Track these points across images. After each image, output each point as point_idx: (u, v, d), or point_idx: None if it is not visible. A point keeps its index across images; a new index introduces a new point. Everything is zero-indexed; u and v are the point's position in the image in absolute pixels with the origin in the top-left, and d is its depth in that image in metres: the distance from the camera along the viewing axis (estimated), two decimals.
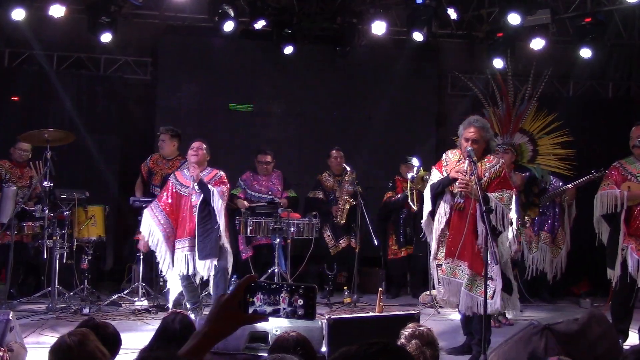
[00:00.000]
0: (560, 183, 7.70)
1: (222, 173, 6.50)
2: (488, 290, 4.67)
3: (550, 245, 7.67)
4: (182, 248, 6.33)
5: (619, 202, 5.43)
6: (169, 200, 6.41)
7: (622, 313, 5.51)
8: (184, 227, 6.36)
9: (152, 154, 7.69)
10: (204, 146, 6.47)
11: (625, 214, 5.48)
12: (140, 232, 6.62)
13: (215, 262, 6.22)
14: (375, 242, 7.46)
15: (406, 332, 3.20)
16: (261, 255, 7.73)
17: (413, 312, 4.88)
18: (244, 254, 7.70)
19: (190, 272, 6.29)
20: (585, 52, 8.50)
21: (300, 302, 1.58)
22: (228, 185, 6.52)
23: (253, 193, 7.81)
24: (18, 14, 7.45)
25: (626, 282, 5.44)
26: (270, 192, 7.76)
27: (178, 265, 6.29)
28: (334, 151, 8.13)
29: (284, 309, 1.58)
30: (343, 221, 7.85)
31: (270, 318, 1.61)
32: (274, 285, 1.59)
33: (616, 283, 5.50)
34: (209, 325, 1.57)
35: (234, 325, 1.58)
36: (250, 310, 1.58)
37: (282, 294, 1.57)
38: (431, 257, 5.26)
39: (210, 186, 6.27)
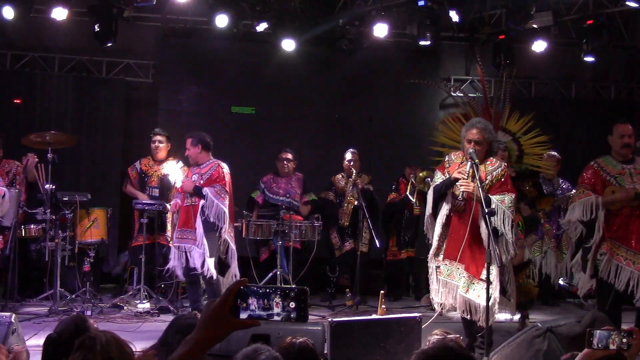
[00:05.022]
0: (567, 186, 7.67)
1: (216, 168, 6.44)
2: (485, 294, 4.66)
3: (555, 250, 7.63)
4: (175, 239, 6.47)
5: (594, 207, 5.29)
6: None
7: (611, 317, 5.41)
8: (179, 220, 6.49)
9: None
10: (189, 142, 6.52)
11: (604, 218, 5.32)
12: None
13: (212, 262, 6.24)
14: (377, 243, 7.47)
15: (433, 338, 3.14)
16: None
17: (415, 314, 4.86)
18: (262, 255, 7.76)
19: (183, 265, 6.37)
20: (590, 54, 8.50)
21: (293, 305, 1.57)
22: (224, 181, 6.39)
23: (271, 195, 7.81)
24: (7, 13, 7.45)
25: (606, 287, 5.31)
26: (288, 195, 7.76)
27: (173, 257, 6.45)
28: (347, 153, 8.00)
29: (278, 313, 1.57)
30: (347, 223, 7.85)
31: (272, 319, 1.60)
32: (266, 290, 1.58)
33: (595, 288, 5.39)
34: (200, 331, 1.55)
35: (226, 331, 1.56)
36: (245, 315, 1.56)
37: (276, 299, 1.57)
38: (429, 258, 5.24)
39: (204, 190, 6.28)
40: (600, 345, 2.37)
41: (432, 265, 5.18)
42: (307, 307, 1.59)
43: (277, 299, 1.57)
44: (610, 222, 5.35)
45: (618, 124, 5.50)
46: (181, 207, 6.51)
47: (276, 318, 1.58)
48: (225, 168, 6.49)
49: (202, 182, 6.39)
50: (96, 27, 7.87)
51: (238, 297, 1.56)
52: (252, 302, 1.56)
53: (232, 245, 6.51)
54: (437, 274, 5.12)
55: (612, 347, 2.36)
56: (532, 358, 4.03)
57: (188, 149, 6.54)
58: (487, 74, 9.60)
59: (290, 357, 2.91)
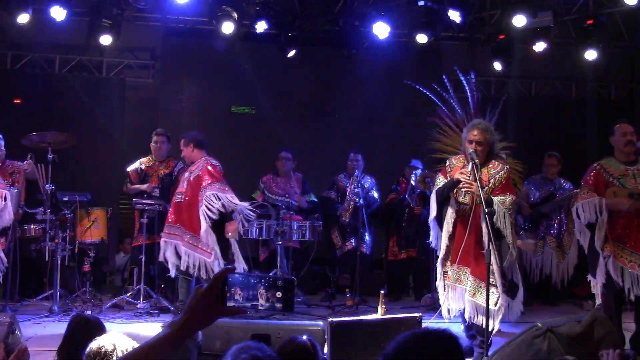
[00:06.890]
0: (568, 186, 7.67)
1: (204, 165, 6.29)
2: (492, 298, 4.65)
3: (556, 250, 7.62)
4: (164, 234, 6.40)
5: (598, 209, 5.25)
6: None
7: (612, 319, 5.40)
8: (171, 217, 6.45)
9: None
10: (181, 142, 6.48)
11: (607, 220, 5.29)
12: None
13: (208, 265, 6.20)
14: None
15: None
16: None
17: (415, 314, 4.86)
18: (262, 255, 7.76)
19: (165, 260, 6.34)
20: (591, 54, 8.50)
21: (279, 294, 1.58)
22: (212, 178, 6.22)
23: (270, 195, 7.84)
24: (23, 18, 7.44)
25: (611, 289, 5.31)
26: (287, 195, 7.78)
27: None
28: (350, 153, 8.09)
29: (262, 305, 1.58)
30: (347, 219, 7.86)
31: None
32: (251, 280, 1.59)
33: (601, 291, 5.37)
34: (187, 315, 1.56)
35: (212, 317, 1.57)
36: (230, 304, 1.58)
37: (260, 290, 1.58)
38: (438, 263, 5.23)
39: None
40: None
41: (440, 270, 5.18)
42: (293, 297, 1.60)
43: (262, 290, 1.57)
44: (613, 223, 5.30)
45: (619, 123, 5.48)
46: (172, 204, 6.44)
47: (260, 309, 1.59)
48: (212, 164, 6.29)
49: (191, 179, 6.28)
50: (96, 25, 7.88)
51: (225, 284, 1.57)
52: (236, 292, 1.57)
53: (233, 247, 6.36)
54: (445, 279, 5.12)
55: None
56: (532, 358, 4.03)
57: (182, 149, 6.52)
58: (488, 74, 9.66)
59: (285, 356, 2.91)
